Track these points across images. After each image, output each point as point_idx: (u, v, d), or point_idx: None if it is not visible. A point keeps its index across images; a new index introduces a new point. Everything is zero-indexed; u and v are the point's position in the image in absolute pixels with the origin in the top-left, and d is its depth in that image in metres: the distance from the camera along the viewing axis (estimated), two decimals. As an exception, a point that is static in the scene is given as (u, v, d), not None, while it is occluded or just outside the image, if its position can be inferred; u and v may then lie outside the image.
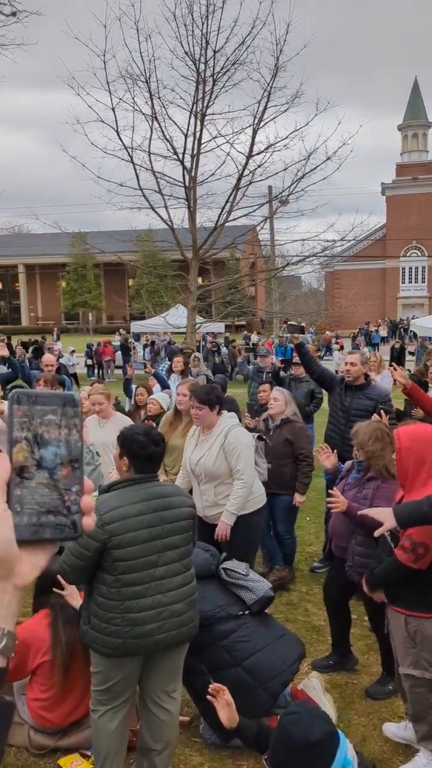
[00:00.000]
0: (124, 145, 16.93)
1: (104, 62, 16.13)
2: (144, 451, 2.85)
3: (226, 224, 18.32)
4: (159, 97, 17.00)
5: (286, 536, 5.53)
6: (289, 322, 6.72)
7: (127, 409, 7.57)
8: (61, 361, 11.32)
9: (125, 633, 2.70)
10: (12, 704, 0.64)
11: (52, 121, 31.72)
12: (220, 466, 4.28)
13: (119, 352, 23.37)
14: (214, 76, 16.95)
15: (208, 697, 2.63)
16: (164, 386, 7.65)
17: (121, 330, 29.87)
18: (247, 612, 3.48)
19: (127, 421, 5.13)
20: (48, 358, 8.04)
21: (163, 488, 2.94)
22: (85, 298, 51.03)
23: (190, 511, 2.94)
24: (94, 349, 23.86)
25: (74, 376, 18.75)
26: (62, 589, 3.32)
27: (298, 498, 5.41)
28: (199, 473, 4.37)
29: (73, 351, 21.65)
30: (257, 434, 5.13)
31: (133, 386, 8.97)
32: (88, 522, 0.68)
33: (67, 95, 26.01)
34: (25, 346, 16.46)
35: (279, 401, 5.52)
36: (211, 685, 2.64)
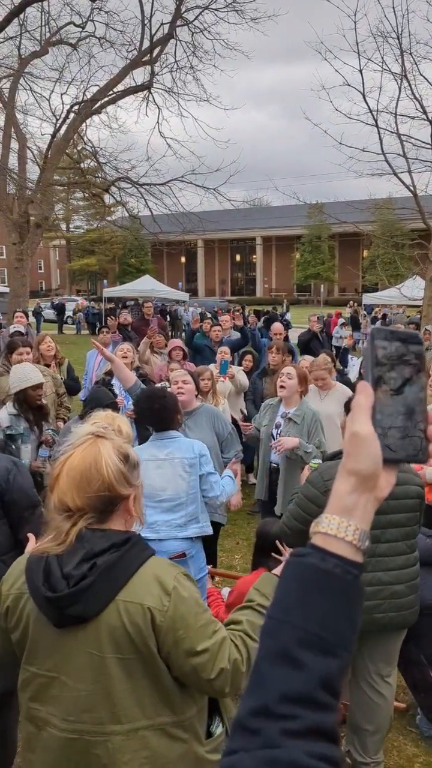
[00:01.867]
0: (369, 108, 16.31)
1: (354, 22, 15.58)
2: None
3: None
4: (411, 53, 15.98)
5: None
6: None
7: (352, 380, 7.45)
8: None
9: None
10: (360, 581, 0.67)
11: (290, 95, 31.95)
12: None
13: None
14: None
15: None
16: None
17: (351, 302, 29.30)
18: None
19: (348, 392, 5.01)
20: (277, 326, 8.19)
21: None
22: (318, 269, 51.06)
23: (417, 490, 2.76)
24: (324, 320, 23.86)
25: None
26: (280, 553, 3.35)
27: None
28: None
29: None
30: None
31: (349, 357, 8.75)
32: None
33: (310, 65, 25.79)
34: (257, 314, 17.06)
35: None
36: None
